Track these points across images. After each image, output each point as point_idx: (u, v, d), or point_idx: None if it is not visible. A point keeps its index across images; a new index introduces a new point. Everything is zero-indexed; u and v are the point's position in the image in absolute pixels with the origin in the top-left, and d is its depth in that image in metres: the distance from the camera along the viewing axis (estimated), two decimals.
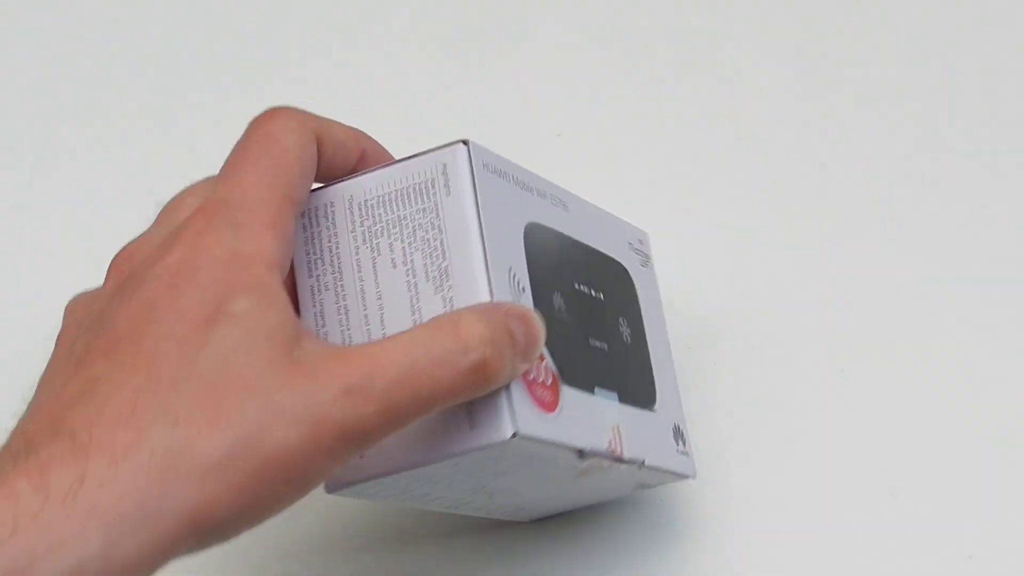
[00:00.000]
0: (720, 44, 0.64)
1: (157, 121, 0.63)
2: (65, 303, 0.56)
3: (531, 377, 0.44)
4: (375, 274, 0.45)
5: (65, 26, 0.66)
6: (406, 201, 0.45)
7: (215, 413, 0.38)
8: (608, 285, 0.50)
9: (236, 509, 0.38)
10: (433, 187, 0.45)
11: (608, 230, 0.51)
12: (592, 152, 0.62)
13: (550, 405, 0.44)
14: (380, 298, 0.45)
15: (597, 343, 0.48)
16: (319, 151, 0.45)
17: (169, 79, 0.64)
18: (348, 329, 0.45)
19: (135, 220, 0.61)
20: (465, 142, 0.45)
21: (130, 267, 0.43)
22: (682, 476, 0.52)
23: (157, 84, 0.64)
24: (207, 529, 0.38)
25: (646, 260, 0.53)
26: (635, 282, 0.52)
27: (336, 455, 0.39)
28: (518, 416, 0.43)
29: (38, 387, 0.42)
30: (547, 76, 0.64)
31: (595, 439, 0.46)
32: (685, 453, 0.52)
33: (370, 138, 0.48)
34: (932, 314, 0.58)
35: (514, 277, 0.44)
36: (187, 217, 0.43)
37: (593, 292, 0.48)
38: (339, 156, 0.46)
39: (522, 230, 0.46)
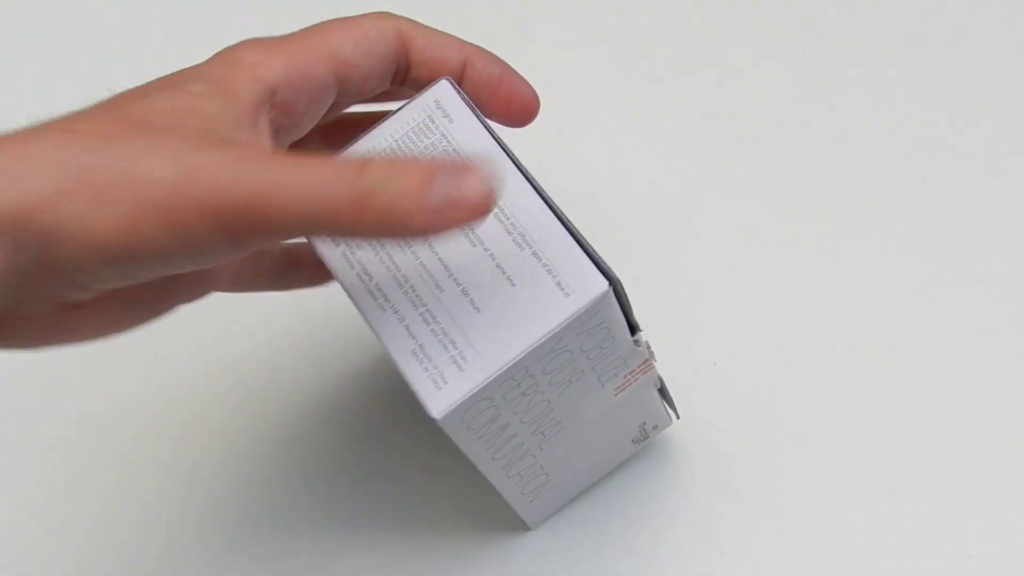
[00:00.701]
0: (720, 44, 0.64)
1: None
2: None
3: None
4: None
5: (65, 25, 0.66)
6: (412, 143, 0.46)
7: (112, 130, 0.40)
8: None
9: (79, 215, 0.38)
10: (433, 122, 0.46)
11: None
12: (592, 152, 0.62)
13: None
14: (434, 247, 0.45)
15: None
16: (407, 48, 0.46)
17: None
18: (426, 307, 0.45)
19: None
20: (447, 79, 0.47)
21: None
22: (671, 414, 0.52)
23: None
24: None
25: None
26: None
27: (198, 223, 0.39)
28: (603, 271, 0.44)
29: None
30: (547, 75, 0.64)
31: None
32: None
33: (478, 49, 0.48)
34: (932, 314, 0.58)
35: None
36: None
37: None
38: (432, 58, 0.47)
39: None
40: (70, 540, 0.57)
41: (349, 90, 0.46)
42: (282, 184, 0.38)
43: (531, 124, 0.61)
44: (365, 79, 0.46)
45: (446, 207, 0.39)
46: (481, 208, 0.39)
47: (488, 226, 0.45)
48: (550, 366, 0.45)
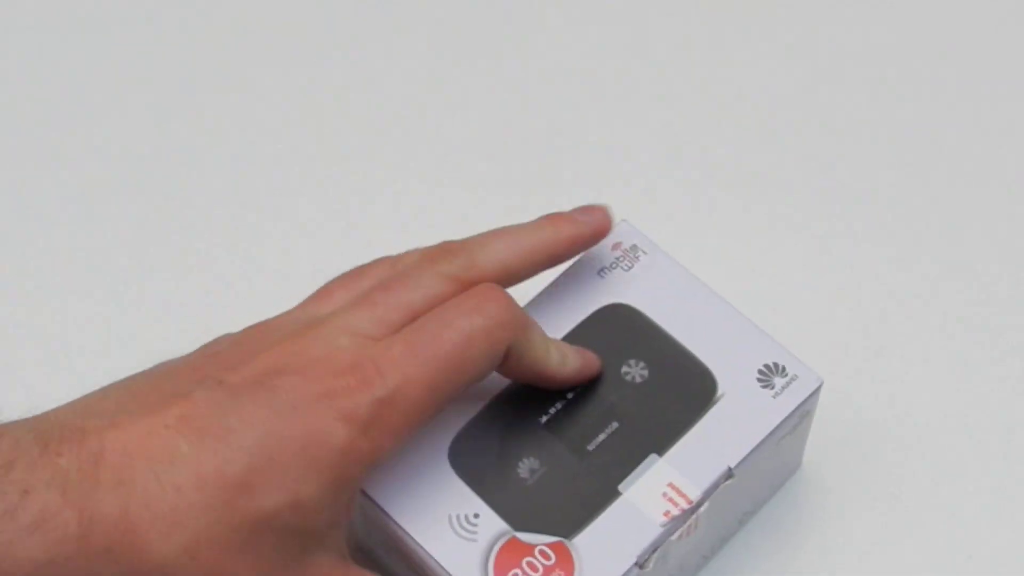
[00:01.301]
0: (721, 43, 0.64)
1: (156, 121, 0.63)
2: (54, 303, 0.56)
3: None
4: None
5: (64, 25, 0.66)
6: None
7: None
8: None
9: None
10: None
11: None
12: (593, 151, 0.62)
13: None
14: None
15: (600, 437, 0.45)
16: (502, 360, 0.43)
17: (168, 78, 0.64)
18: None
19: (134, 217, 0.61)
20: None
21: (275, 361, 0.41)
22: (801, 409, 0.47)
23: (156, 83, 0.64)
24: None
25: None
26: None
27: None
28: None
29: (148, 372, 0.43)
30: (547, 74, 0.64)
31: (643, 536, 0.43)
32: (786, 384, 0.47)
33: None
34: (933, 313, 0.58)
35: None
36: (342, 360, 0.41)
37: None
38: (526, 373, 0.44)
39: None
40: None
41: None
42: None
43: (530, 123, 0.61)
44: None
45: None
46: None
47: None
48: None
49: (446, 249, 0.44)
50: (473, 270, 0.43)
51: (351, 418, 0.40)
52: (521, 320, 0.42)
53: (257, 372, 0.40)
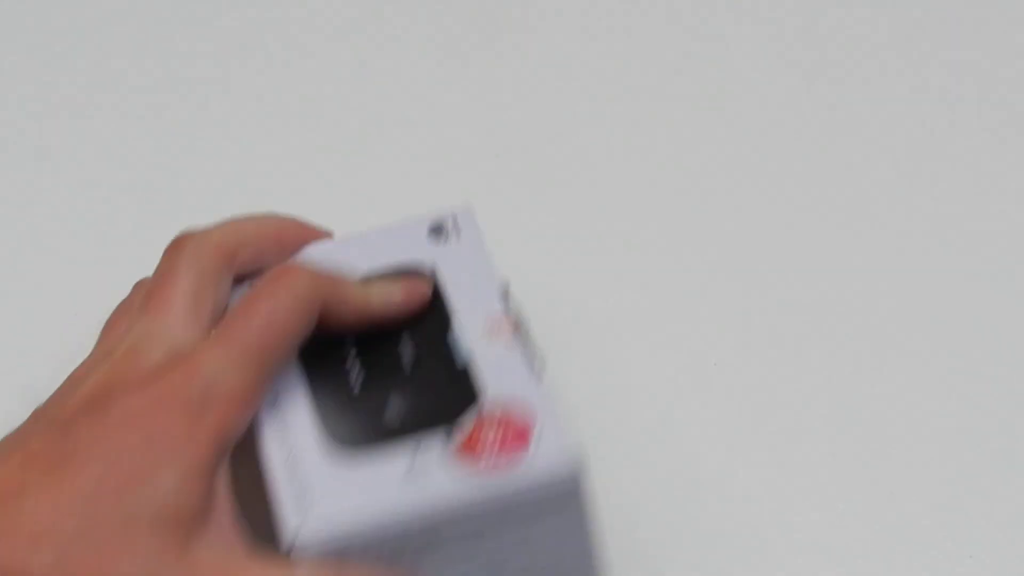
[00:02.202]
0: (721, 43, 0.64)
1: (156, 119, 0.62)
2: (61, 300, 0.56)
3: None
4: None
5: (62, 24, 0.66)
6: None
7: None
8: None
9: None
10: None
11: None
12: (591, 152, 0.62)
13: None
14: None
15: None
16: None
17: (167, 77, 0.64)
18: None
19: (133, 215, 0.61)
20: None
21: (97, 387, 0.43)
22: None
23: (156, 82, 0.64)
24: None
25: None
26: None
27: None
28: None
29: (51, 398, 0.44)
30: (547, 74, 0.64)
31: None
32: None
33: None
34: (933, 313, 0.58)
35: None
36: (161, 365, 0.43)
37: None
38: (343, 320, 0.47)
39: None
40: None
41: None
42: None
43: (530, 123, 0.61)
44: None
45: None
46: None
47: None
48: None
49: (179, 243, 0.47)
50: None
51: (185, 408, 0.42)
52: (324, 284, 0.45)
53: (83, 401, 0.42)
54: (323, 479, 0.43)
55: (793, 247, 0.59)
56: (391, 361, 0.46)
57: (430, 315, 0.47)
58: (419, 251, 0.48)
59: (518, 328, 0.46)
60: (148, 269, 0.58)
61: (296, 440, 0.44)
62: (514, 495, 0.43)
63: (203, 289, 0.45)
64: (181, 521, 0.41)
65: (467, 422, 0.44)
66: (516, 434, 0.43)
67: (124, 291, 0.58)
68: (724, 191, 0.60)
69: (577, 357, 0.55)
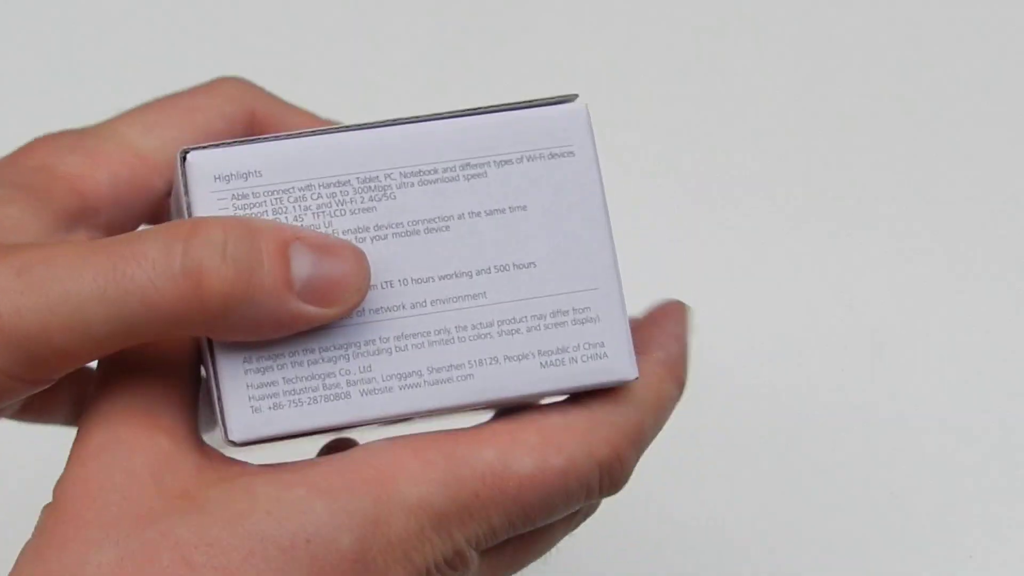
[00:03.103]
0: (722, 43, 0.64)
1: None
2: None
3: None
4: None
5: (62, 23, 0.66)
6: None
7: None
8: None
9: None
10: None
11: None
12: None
13: None
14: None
15: None
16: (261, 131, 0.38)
17: (167, 77, 0.64)
18: None
19: None
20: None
21: None
22: None
23: (155, 82, 0.64)
24: None
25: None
26: None
27: None
28: None
29: None
30: (545, 73, 0.64)
31: None
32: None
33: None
34: (933, 313, 0.58)
35: None
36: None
37: None
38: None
39: None
40: None
41: None
42: (81, 295, 0.30)
43: None
44: None
45: (307, 291, 0.31)
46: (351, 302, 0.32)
47: None
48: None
49: None
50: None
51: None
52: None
53: None
54: None
55: (793, 247, 0.59)
56: None
57: None
58: None
59: None
60: None
61: None
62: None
63: None
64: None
65: None
66: None
67: None
68: (725, 190, 0.60)
69: None
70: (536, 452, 0.33)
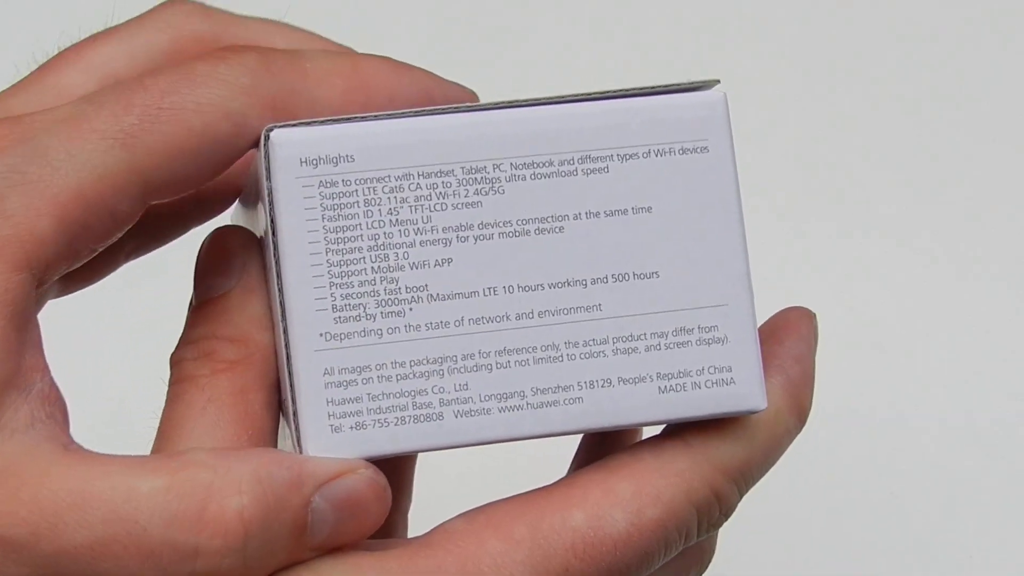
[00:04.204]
0: (721, 43, 0.64)
1: None
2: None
3: None
4: None
5: (61, 23, 0.66)
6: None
7: None
8: None
9: None
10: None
11: None
12: None
13: None
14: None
15: None
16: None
17: None
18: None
19: None
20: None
21: None
22: None
23: None
24: None
25: None
26: None
27: None
28: None
29: None
30: (546, 73, 0.64)
31: None
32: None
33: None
34: (933, 313, 0.58)
35: None
36: None
37: None
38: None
39: None
40: None
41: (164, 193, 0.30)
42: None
43: None
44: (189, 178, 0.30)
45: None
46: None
47: None
48: None
49: None
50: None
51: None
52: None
53: None
54: None
55: (793, 247, 0.59)
56: None
57: None
58: None
59: None
60: (149, 270, 0.58)
61: None
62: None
63: None
64: None
65: None
66: None
67: (125, 292, 0.58)
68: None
69: None
70: (630, 505, 0.29)
